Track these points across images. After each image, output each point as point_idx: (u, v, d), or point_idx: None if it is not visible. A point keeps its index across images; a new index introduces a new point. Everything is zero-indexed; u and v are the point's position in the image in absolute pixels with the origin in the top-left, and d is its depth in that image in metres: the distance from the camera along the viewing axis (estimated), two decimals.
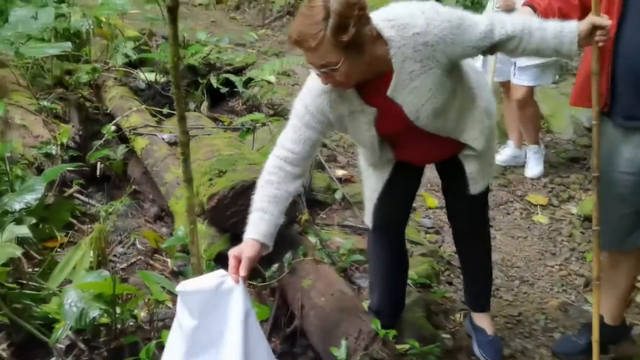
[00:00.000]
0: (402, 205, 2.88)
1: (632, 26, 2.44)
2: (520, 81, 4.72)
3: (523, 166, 5.05)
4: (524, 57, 4.31)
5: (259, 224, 2.36)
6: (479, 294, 3.09)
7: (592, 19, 2.34)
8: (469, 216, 2.89)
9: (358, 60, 2.17)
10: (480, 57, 4.84)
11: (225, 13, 9.79)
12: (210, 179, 3.28)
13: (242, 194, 3.13)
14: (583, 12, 2.48)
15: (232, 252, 2.28)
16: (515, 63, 4.68)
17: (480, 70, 4.90)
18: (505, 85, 4.95)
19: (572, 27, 2.33)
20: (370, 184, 2.79)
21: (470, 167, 2.67)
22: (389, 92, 2.31)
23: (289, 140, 2.43)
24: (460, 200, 2.82)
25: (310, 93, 2.38)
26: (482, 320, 3.08)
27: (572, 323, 3.33)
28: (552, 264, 3.88)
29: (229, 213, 3.19)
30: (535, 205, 4.54)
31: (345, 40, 2.09)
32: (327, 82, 2.28)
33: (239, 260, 2.24)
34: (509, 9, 4.13)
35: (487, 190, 2.85)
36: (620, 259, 2.89)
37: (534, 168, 4.99)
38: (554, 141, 5.50)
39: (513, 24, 2.34)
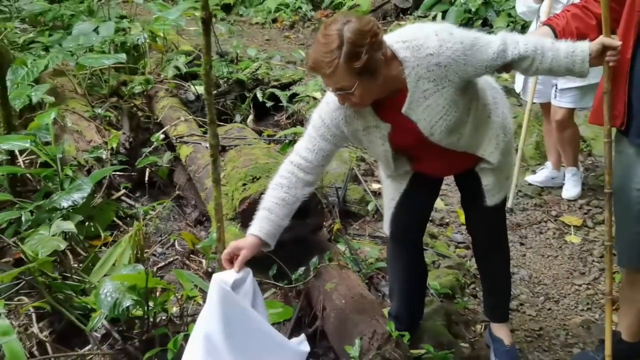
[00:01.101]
0: (419, 214, 2.98)
1: None
2: (561, 103, 4.74)
3: (560, 187, 5.06)
4: (557, 78, 4.34)
5: (264, 223, 2.53)
6: (497, 304, 3.16)
7: (602, 39, 2.44)
8: (486, 228, 2.98)
9: (371, 84, 2.29)
10: (520, 78, 4.93)
11: (280, 32, 10.07)
12: (244, 184, 3.45)
13: None
14: (601, 32, 2.56)
15: (233, 244, 2.49)
16: (556, 85, 4.71)
17: (519, 91, 4.99)
18: (546, 107, 4.98)
19: (584, 47, 2.43)
20: (389, 193, 2.90)
21: (487, 180, 2.75)
22: (403, 110, 2.42)
23: (303, 148, 2.58)
24: (477, 212, 2.91)
25: (327, 106, 2.51)
26: (500, 330, 3.15)
27: (592, 340, 3.36)
28: (580, 282, 3.90)
29: None
30: (569, 226, 4.56)
31: (358, 67, 2.20)
32: (344, 103, 2.41)
33: (235, 255, 2.48)
34: None
35: (504, 202, 2.93)
36: (637, 277, 2.92)
37: (571, 190, 4.99)
38: (595, 164, 5.49)
39: (526, 44, 2.43)
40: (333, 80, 2.27)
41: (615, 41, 2.42)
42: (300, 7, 10.12)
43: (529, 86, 4.79)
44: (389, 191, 2.91)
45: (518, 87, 4.99)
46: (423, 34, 2.35)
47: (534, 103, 4.91)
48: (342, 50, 2.18)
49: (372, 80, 2.27)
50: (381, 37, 2.27)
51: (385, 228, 3.00)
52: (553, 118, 4.83)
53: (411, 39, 2.34)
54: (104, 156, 4.43)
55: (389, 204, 2.92)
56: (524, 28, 7.87)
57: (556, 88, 4.72)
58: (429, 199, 2.99)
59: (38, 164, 4.06)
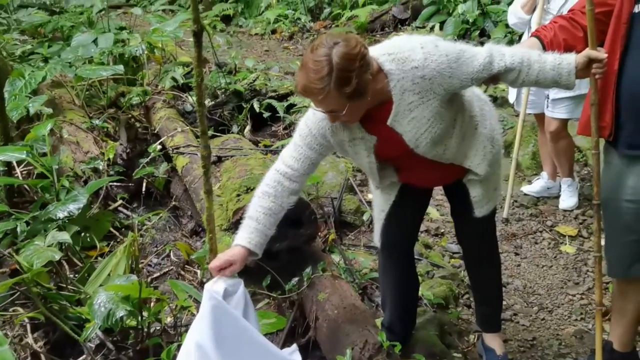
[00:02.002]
0: (409, 225, 3.00)
1: (634, 59, 2.54)
2: (554, 114, 4.76)
3: (557, 197, 5.08)
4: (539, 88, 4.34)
5: (252, 234, 2.53)
6: (489, 314, 3.17)
7: (588, 52, 2.47)
8: (476, 238, 2.99)
9: (361, 103, 2.31)
10: (513, 89, 4.95)
11: (279, 43, 10.12)
12: (239, 195, 3.47)
13: None
14: (588, 44, 2.58)
15: (221, 257, 2.50)
16: (548, 95, 4.73)
17: (513, 102, 5.01)
18: (539, 118, 5.00)
19: (570, 60, 2.46)
20: (379, 205, 2.92)
21: (475, 191, 2.77)
22: (389, 122, 2.44)
23: (289, 157, 2.58)
24: (466, 223, 2.93)
25: (314, 116, 2.52)
26: (492, 340, 3.16)
27: (585, 350, 3.37)
28: (574, 292, 3.91)
29: None
30: (564, 236, 4.57)
31: (348, 92, 2.22)
32: (334, 122, 2.43)
33: (223, 267, 2.49)
34: None
35: (494, 213, 2.95)
36: (627, 287, 2.94)
37: (567, 200, 5.01)
38: (591, 174, 5.49)
39: (512, 56, 2.44)
40: (324, 105, 2.29)
41: (602, 54, 2.45)
42: (299, 19, 10.17)
43: (522, 97, 4.81)
44: (378, 202, 2.93)
45: (511, 98, 5.02)
46: (408, 46, 2.36)
47: (529, 114, 4.94)
48: (332, 76, 2.18)
49: (362, 100, 2.29)
50: (368, 56, 2.28)
51: (376, 239, 3.01)
52: (547, 129, 4.85)
53: (397, 52, 2.35)
54: (100, 167, 4.46)
55: (378, 216, 2.94)
56: (521, 38, 7.92)
57: (548, 99, 4.74)
58: (419, 209, 3.01)
59: (35, 175, 4.09)
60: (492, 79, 2.50)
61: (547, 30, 2.73)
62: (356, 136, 2.52)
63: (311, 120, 2.54)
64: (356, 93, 2.24)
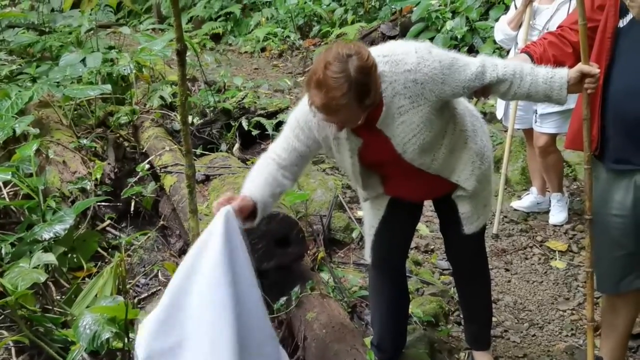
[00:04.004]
0: (399, 241, 2.98)
1: (619, 73, 2.54)
2: (542, 129, 4.76)
3: (546, 212, 5.07)
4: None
5: (250, 191, 2.45)
6: (479, 332, 3.15)
7: (581, 67, 2.46)
8: (466, 256, 2.98)
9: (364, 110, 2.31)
10: (501, 104, 4.96)
11: (269, 61, 10.14)
12: None
13: (253, 228, 3.26)
14: (577, 60, 2.58)
15: (224, 196, 2.40)
16: (536, 111, 4.74)
17: (501, 117, 5.02)
18: (528, 133, 5.01)
19: (562, 74, 2.46)
20: (368, 221, 2.91)
21: (463, 208, 2.76)
22: (378, 124, 2.43)
23: (279, 147, 2.57)
24: (456, 240, 2.92)
25: (303, 108, 2.49)
26: (482, 358, 3.14)
27: None
28: (565, 308, 3.89)
29: None
30: (554, 251, 4.56)
31: (368, 103, 2.25)
32: (341, 129, 2.42)
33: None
34: None
35: (483, 230, 2.94)
36: (617, 302, 2.93)
37: (557, 215, 5.00)
38: (580, 189, 5.50)
39: (505, 67, 2.46)
40: (340, 117, 2.28)
41: (594, 68, 2.45)
42: (288, 36, 10.19)
43: (510, 112, 4.82)
44: (368, 218, 2.91)
45: (499, 114, 5.02)
46: (403, 50, 2.38)
47: (517, 129, 4.95)
48: (352, 92, 2.18)
49: (372, 105, 2.31)
50: (376, 64, 2.29)
51: (367, 256, 2.99)
52: (536, 144, 4.86)
53: (391, 54, 2.37)
54: (88, 187, 4.43)
55: (368, 232, 2.92)
56: (509, 54, 7.97)
57: (536, 114, 4.75)
58: (409, 225, 2.98)
59: (21, 196, 4.06)
60: (483, 90, 2.50)
61: (537, 46, 2.74)
62: (341, 135, 2.49)
63: (300, 112, 2.53)
64: (373, 103, 2.28)
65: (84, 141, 5.04)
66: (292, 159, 2.54)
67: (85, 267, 3.82)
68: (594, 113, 2.60)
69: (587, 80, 2.46)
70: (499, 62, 2.50)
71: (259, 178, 2.50)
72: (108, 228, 4.58)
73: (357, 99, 2.20)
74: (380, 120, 2.42)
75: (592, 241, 2.66)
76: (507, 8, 7.52)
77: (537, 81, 2.47)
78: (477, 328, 3.15)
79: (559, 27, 2.82)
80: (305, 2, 10.24)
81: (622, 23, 2.55)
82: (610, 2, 2.53)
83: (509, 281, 4.23)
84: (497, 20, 5.35)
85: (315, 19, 10.37)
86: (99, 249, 4.14)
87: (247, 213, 2.40)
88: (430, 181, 2.67)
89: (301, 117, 2.52)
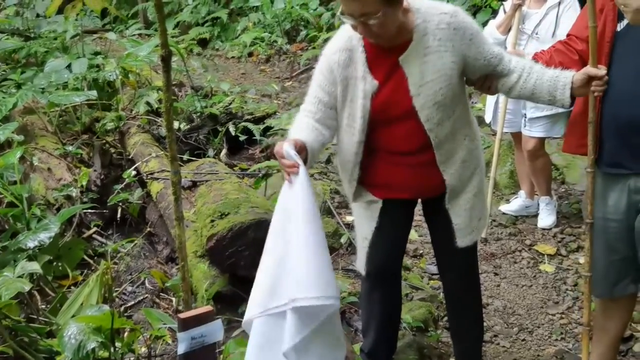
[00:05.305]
0: (395, 248, 2.91)
1: (617, 77, 2.52)
2: (531, 132, 4.77)
3: (535, 216, 5.07)
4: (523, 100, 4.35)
5: (297, 135, 2.46)
6: (468, 351, 3.06)
7: (587, 69, 2.48)
8: (457, 271, 2.90)
9: (394, 14, 2.35)
10: (490, 108, 4.95)
11: (256, 65, 10.10)
12: (212, 221, 3.41)
13: (241, 235, 3.26)
14: (583, 66, 2.58)
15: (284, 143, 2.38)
16: (525, 114, 4.74)
17: (489, 121, 5.01)
18: (516, 136, 5.01)
19: (568, 75, 2.51)
20: (361, 232, 2.84)
21: (457, 219, 2.72)
22: (401, 57, 2.47)
23: (307, 102, 2.63)
24: (447, 254, 2.86)
25: (324, 56, 2.57)
26: None
27: None
28: (554, 312, 3.88)
29: (227, 254, 3.31)
30: (543, 255, 4.55)
31: None
32: (363, 33, 2.43)
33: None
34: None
35: (476, 245, 2.89)
36: (610, 306, 2.92)
37: (546, 219, 5.00)
38: (568, 192, 5.52)
39: (517, 61, 2.61)
40: (359, 5, 2.30)
41: (601, 71, 2.46)
42: (275, 41, 10.17)
43: (498, 116, 4.82)
44: (361, 230, 2.85)
45: (488, 118, 5.02)
46: (441, 4, 2.55)
47: (505, 133, 4.95)
48: None
49: (395, 9, 2.34)
50: None
51: (360, 267, 2.89)
52: (524, 148, 4.86)
53: (430, 2, 2.53)
54: (74, 194, 4.39)
55: (362, 243, 2.84)
56: None
57: (525, 117, 4.75)
58: (403, 231, 2.91)
59: (5, 204, 4.01)
60: (491, 81, 2.62)
61: (544, 53, 2.81)
62: (358, 75, 2.51)
63: (322, 61, 2.58)
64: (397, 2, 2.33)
65: (70, 148, 5.00)
66: (321, 111, 2.59)
67: (70, 275, 3.78)
68: (586, 118, 2.60)
69: (594, 83, 2.47)
70: (511, 56, 2.64)
71: (301, 129, 2.53)
72: (94, 235, 4.54)
73: None
74: (405, 53, 2.46)
75: (592, 245, 2.66)
76: (493, 12, 7.56)
77: (542, 78, 2.54)
78: (465, 348, 3.05)
79: (567, 35, 2.86)
80: (292, 7, 10.22)
81: (620, 27, 2.55)
82: (609, 6, 2.53)
83: (498, 285, 4.22)
84: (483, 24, 5.35)
85: (303, 23, 10.35)
86: (85, 257, 4.10)
87: (304, 155, 2.41)
88: (423, 168, 2.64)
89: (323, 63, 2.57)
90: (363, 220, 2.83)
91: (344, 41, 2.54)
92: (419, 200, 2.88)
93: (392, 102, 2.53)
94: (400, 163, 2.66)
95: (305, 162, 2.37)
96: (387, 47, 2.48)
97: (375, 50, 2.50)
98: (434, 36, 2.43)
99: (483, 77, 2.63)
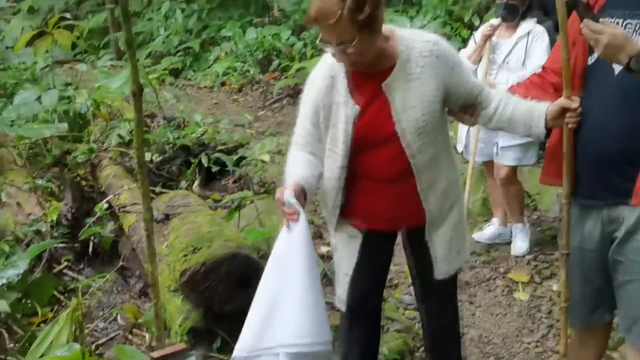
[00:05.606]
0: (374, 284, 2.90)
1: (589, 109, 2.53)
2: (504, 161, 4.81)
3: (508, 243, 5.09)
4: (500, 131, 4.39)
5: (295, 177, 2.51)
6: None
7: (560, 101, 2.50)
8: (435, 303, 2.89)
9: (371, 41, 2.39)
10: (462, 137, 4.99)
11: (229, 95, 10.09)
12: (185, 255, 3.38)
13: (214, 270, 3.23)
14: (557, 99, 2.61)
15: (282, 190, 2.43)
16: (497, 143, 4.79)
17: (461, 150, 5.05)
18: (489, 165, 5.05)
19: (543, 106, 2.55)
20: (342, 268, 2.81)
21: (436, 251, 2.72)
22: (384, 83, 2.49)
23: (297, 135, 2.69)
24: (425, 285, 2.85)
25: (307, 86, 2.64)
26: None
27: None
28: (529, 340, 3.88)
29: (201, 288, 3.28)
30: (517, 282, 4.57)
31: (360, 20, 2.29)
32: (342, 61, 2.46)
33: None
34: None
35: (455, 277, 2.89)
36: (587, 335, 2.91)
37: (519, 246, 5.02)
38: (541, 219, 5.56)
39: (495, 92, 2.69)
40: (335, 33, 2.33)
41: (573, 103, 2.47)
42: (248, 71, 10.19)
43: (471, 144, 4.86)
44: (341, 266, 2.82)
45: (460, 147, 5.04)
46: (422, 31, 2.66)
47: (478, 161, 4.98)
48: (346, 2, 2.27)
49: (372, 36, 2.37)
50: None
51: (340, 303, 2.86)
52: (497, 176, 4.90)
53: (413, 31, 2.63)
54: (44, 229, 4.32)
55: (342, 280, 2.82)
56: None
57: (497, 146, 4.80)
58: (383, 266, 2.92)
59: None
60: (472, 112, 2.65)
61: (521, 86, 2.81)
62: (340, 100, 2.54)
63: (305, 92, 2.64)
64: (368, 24, 2.32)
65: (40, 181, 4.93)
66: (311, 144, 2.65)
67: (40, 312, 3.71)
68: (562, 149, 2.62)
69: (568, 115, 2.48)
70: (488, 88, 2.72)
71: (296, 166, 2.59)
72: (65, 270, 4.46)
73: (350, 11, 2.27)
74: (389, 78, 2.49)
75: (568, 277, 2.67)
76: (463, 41, 7.66)
77: (518, 110, 2.58)
78: None
79: (542, 68, 2.87)
80: (265, 37, 10.26)
81: (590, 61, 2.58)
82: (580, 40, 2.55)
83: (474, 314, 4.22)
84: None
85: (275, 53, 10.39)
86: (55, 293, 4.03)
87: (302, 199, 2.47)
88: (404, 198, 2.63)
89: (306, 92, 2.63)
90: (344, 255, 2.81)
91: (326, 68, 2.58)
92: (399, 234, 2.87)
93: (374, 127, 2.55)
94: (381, 191, 2.66)
95: (304, 203, 2.45)
96: (370, 73, 2.51)
97: (358, 76, 2.53)
98: (417, 63, 2.48)
99: (464, 107, 2.66)
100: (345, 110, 2.53)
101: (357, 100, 2.53)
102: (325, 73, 2.57)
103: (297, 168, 2.57)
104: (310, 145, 2.64)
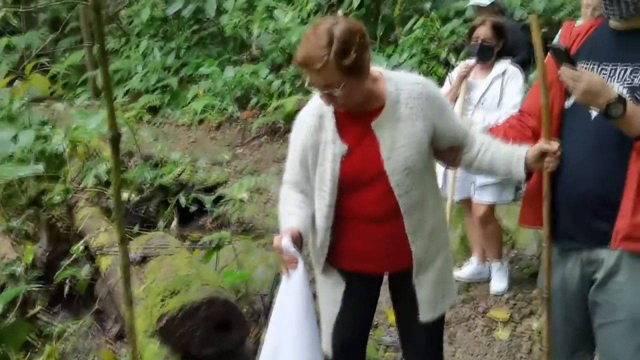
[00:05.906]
0: (359, 327, 2.89)
1: (567, 153, 2.54)
2: (481, 199, 4.84)
3: (487, 281, 5.10)
4: (481, 175, 4.43)
5: (290, 221, 2.52)
6: None
7: (540, 145, 2.52)
8: (419, 346, 2.87)
9: (358, 84, 2.42)
10: (440, 175, 5.01)
11: (207, 133, 10.07)
12: (163, 299, 3.34)
13: (192, 315, 3.19)
14: (536, 141, 2.61)
15: (280, 238, 2.44)
16: (474, 182, 4.82)
17: (440, 187, 5.06)
18: (466, 203, 5.07)
19: (522, 150, 2.57)
20: (325, 315, 2.81)
21: (422, 294, 2.70)
22: (374, 122, 2.51)
23: (287, 176, 2.72)
24: (410, 328, 2.83)
25: (296, 126, 2.67)
26: None
27: None
28: None
29: (178, 334, 3.23)
30: (497, 321, 4.57)
31: (346, 65, 2.32)
32: (330, 104, 2.48)
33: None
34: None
35: (440, 322, 2.87)
36: None
37: (498, 284, 5.03)
38: (518, 257, 5.58)
39: (477, 135, 2.72)
40: (321, 77, 2.36)
41: (553, 146, 2.49)
42: (226, 109, 10.18)
43: (448, 183, 4.89)
44: (325, 313, 2.81)
45: (438, 184, 5.06)
46: (411, 74, 2.69)
47: (455, 199, 5.00)
48: (332, 47, 2.30)
49: (358, 80, 2.41)
50: (368, 40, 2.43)
51: (326, 347, 2.81)
52: (475, 214, 4.92)
53: (401, 73, 2.64)
54: (18, 272, 4.25)
55: (327, 327, 2.81)
56: None
57: (474, 185, 4.83)
58: (369, 310, 2.90)
59: None
60: (455, 156, 2.68)
61: (498, 129, 2.83)
62: (329, 139, 2.56)
63: (293, 135, 2.68)
64: (354, 68, 2.35)
65: (14, 223, 4.86)
66: (302, 183, 2.67)
67: (13, 359, 3.63)
68: (541, 192, 2.63)
69: (547, 159, 2.49)
70: (472, 131, 2.75)
71: (290, 209, 2.60)
72: (40, 314, 4.38)
73: (335, 56, 2.30)
74: (377, 119, 2.51)
75: (548, 320, 2.67)
76: (439, 79, 7.73)
77: (499, 153, 2.62)
78: None
79: (520, 111, 2.89)
80: (243, 75, 10.29)
81: (567, 104, 2.61)
82: (557, 84, 2.58)
83: (454, 355, 4.20)
84: None
85: (253, 90, 10.42)
86: (29, 338, 3.95)
87: (299, 244, 2.48)
88: (391, 238, 2.62)
89: (295, 132, 2.66)
90: (329, 301, 2.80)
91: (314, 107, 2.61)
92: (385, 278, 2.86)
93: (363, 165, 2.57)
94: (369, 232, 2.65)
95: (301, 247, 2.47)
96: (358, 113, 2.54)
97: (346, 116, 2.56)
98: (406, 104, 2.52)
99: (449, 149, 2.69)
100: (333, 148, 2.55)
101: (346, 139, 2.55)
102: (314, 112, 2.60)
103: (292, 212, 2.57)
104: (301, 184, 2.67)
